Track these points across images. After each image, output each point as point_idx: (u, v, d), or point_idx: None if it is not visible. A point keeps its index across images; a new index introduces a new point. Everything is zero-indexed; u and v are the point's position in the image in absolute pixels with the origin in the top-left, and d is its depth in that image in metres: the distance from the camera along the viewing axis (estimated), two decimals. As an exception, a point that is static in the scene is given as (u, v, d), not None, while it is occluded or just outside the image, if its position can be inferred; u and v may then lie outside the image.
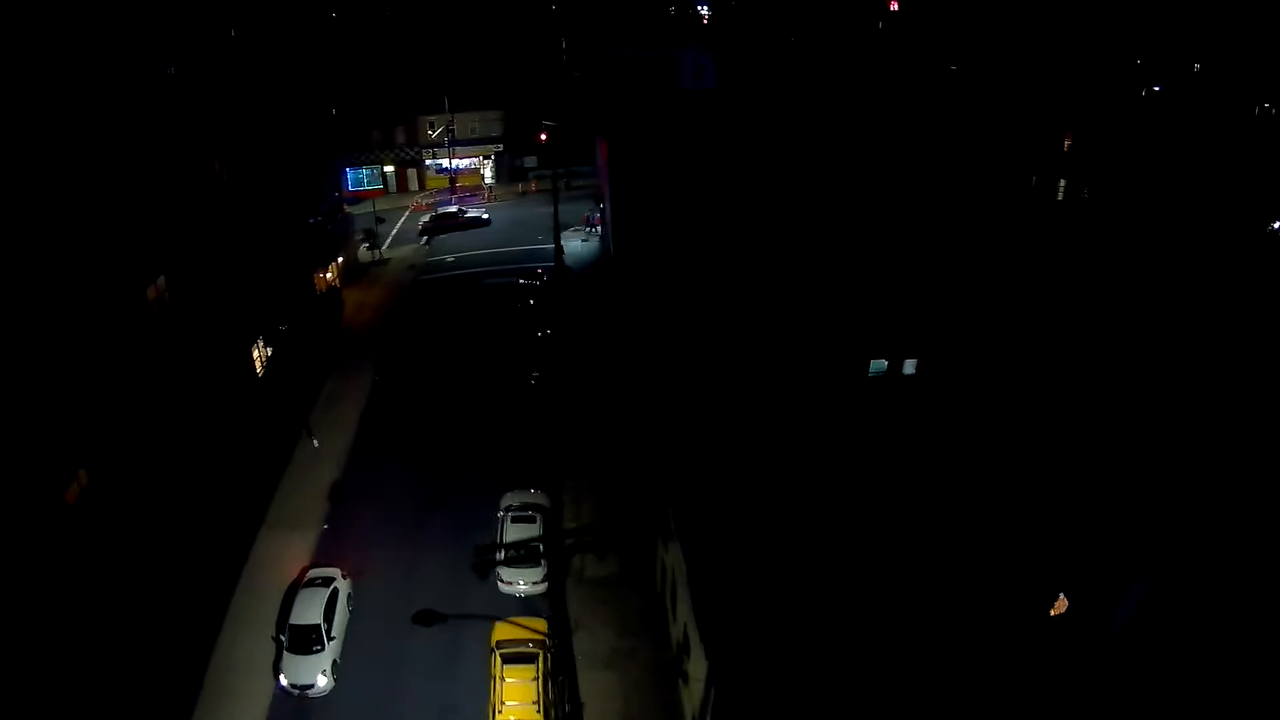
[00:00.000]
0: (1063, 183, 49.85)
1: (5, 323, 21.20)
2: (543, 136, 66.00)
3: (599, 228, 58.01)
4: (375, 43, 63.88)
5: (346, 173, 64.68)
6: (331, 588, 27.67)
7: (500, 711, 23.30)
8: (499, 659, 24.80)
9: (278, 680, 25.69)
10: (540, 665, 24.57)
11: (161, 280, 30.77)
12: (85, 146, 25.79)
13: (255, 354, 37.67)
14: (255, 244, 37.83)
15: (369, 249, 55.49)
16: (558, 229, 49.97)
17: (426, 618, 28.19)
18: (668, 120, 51.18)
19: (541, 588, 28.38)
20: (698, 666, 21.20)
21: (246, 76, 38.16)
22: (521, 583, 28.20)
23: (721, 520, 22.39)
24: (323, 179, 49.49)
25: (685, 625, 23.31)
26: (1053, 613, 17.36)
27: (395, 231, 61.16)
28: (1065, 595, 17.18)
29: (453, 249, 57.62)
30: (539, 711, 23.32)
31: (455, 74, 66.19)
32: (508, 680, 24.03)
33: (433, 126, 67.14)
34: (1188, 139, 45.85)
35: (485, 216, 60.47)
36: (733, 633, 19.28)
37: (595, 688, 25.34)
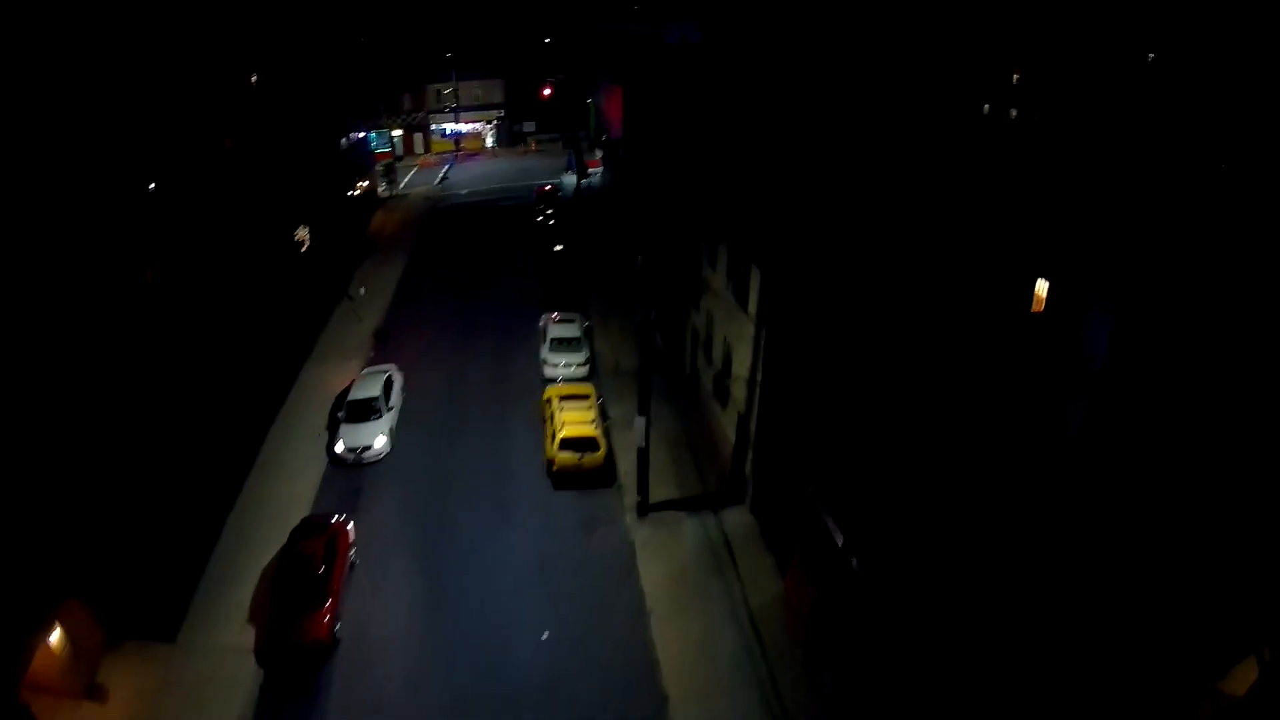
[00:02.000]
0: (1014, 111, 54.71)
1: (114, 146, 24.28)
2: (547, 91, 70.10)
3: (599, 168, 61.92)
4: (385, 16, 67.92)
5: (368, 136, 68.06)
6: (386, 374, 30.11)
7: (560, 431, 25.71)
8: (556, 399, 27.37)
9: (331, 453, 27.46)
10: (593, 400, 27.23)
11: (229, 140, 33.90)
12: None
13: (300, 231, 40.48)
14: (300, 147, 41.05)
15: (387, 184, 58.84)
16: (579, 153, 53.84)
17: (476, 400, 30.72)
18: (668, 64, 55.49)
19: (583, 370, 31.00)
20: (743, 327, 23.69)
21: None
22: (564, 364, 30.82)
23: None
24: (345, 122, 53.17)
25: (724, 340, 25.90)
26: (1034, 308, 16.78)
27: (408, 179, 64.50)
28: (1045, 280, 16.19)
29: (465, 185, 61.08)
30: (595, 428, 25.87)
31: (460, 46, 70.37)
32: (566, 410, 26.59)
33: (439, 94, 71.11)
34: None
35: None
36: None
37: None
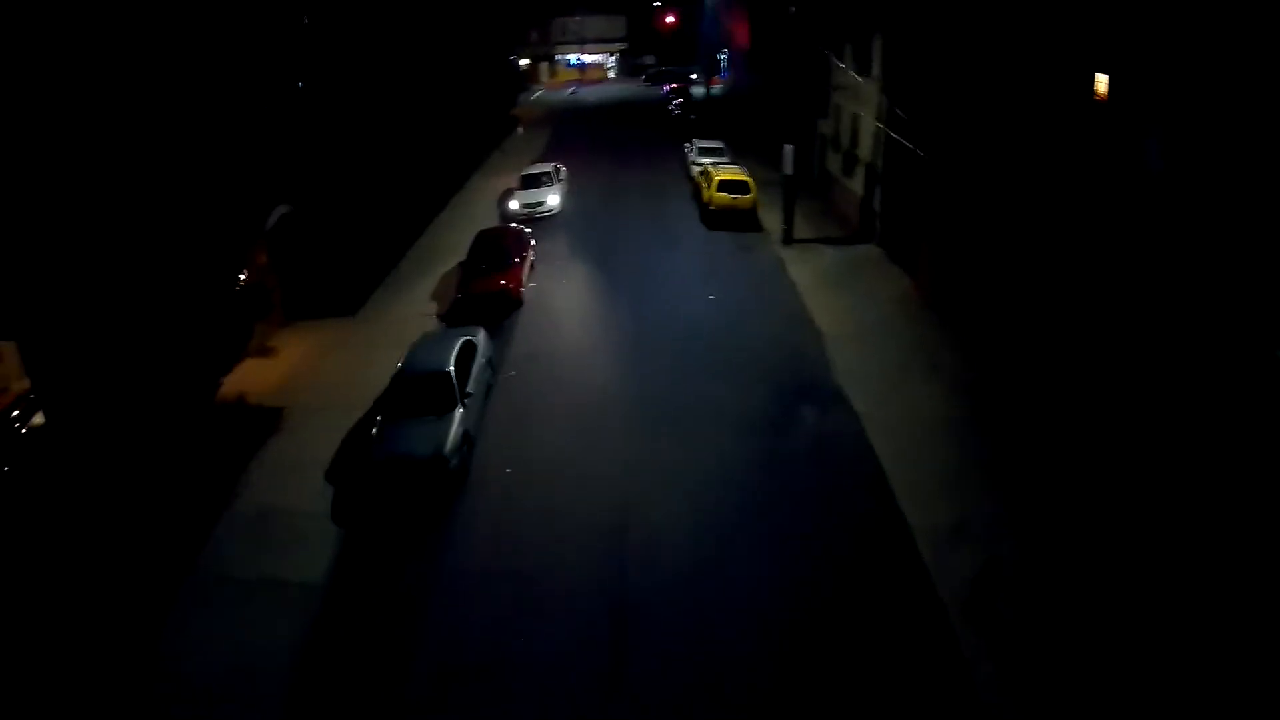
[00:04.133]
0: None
1: None
2: (670, 19, 75.10)
3: (719, 84, 66.42)
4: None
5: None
6: (554, 165, 34.92)
7: (718, 175, 30.10)
8: (709, 168, 31.73)
9: (505, 211, 32.24)
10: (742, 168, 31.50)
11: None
12: None
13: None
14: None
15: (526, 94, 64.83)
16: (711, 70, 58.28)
17: (632, 195, 35.24)
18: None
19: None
20: (867, 95, 27.20)
21: None
22: (710, 163, 35.05)
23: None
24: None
25: (851, 118, 29.51)
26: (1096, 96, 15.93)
27: (538, 95, 70.23)
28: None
29: (593, 96, 66.42)
30: (748, 176, 30.18)
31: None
32: (721, 167, 31.03)
33: (565, 28, 77.00)
34: None
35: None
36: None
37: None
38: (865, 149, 28.81)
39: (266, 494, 16.07)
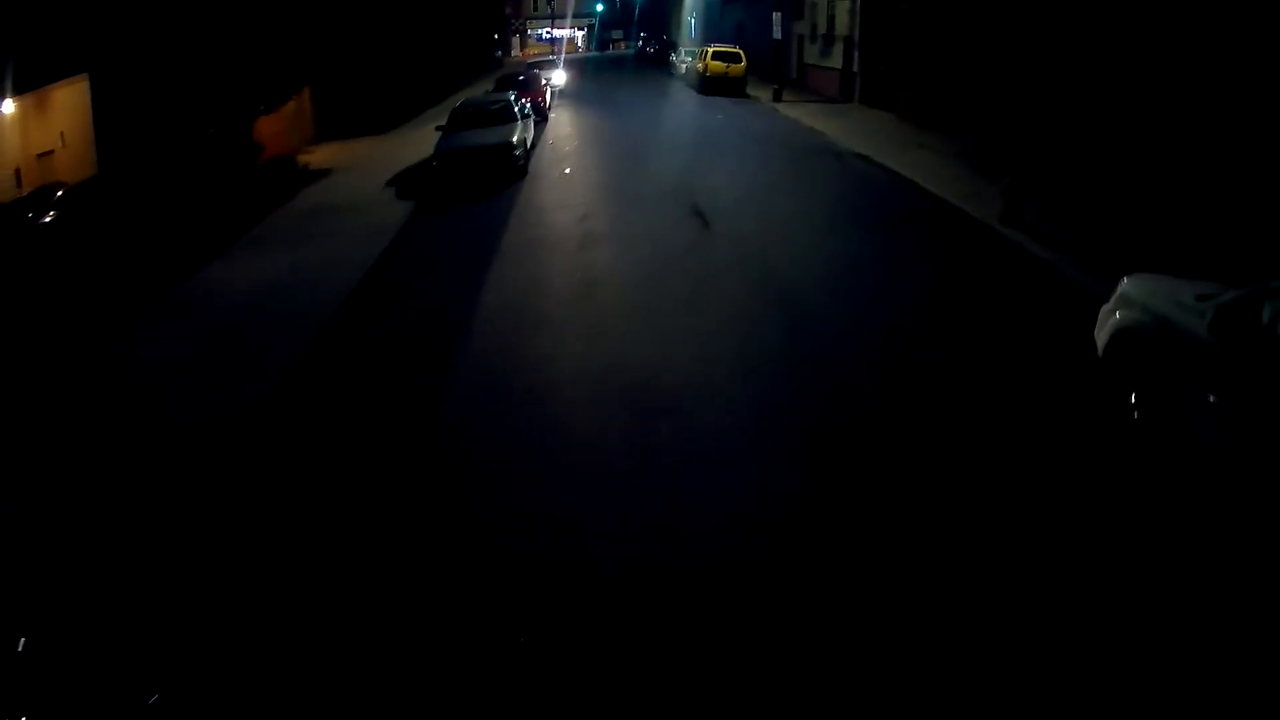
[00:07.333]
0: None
1: None
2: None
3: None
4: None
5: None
6: (555, 56, 37.62)
7: (711, 48, 32.92)
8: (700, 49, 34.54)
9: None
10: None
11: None
12: None
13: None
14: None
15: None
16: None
17: (625, 91, 37.93)
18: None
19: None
20: None
21: None
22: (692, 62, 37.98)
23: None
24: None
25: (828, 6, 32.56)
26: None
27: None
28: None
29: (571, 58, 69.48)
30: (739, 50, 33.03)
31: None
32: (713, 46, 33.81)
33: (535, 3, 79.99)
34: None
35: None
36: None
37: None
38: (842, 25, 31.83)
39: (320, 198, 18.04)
